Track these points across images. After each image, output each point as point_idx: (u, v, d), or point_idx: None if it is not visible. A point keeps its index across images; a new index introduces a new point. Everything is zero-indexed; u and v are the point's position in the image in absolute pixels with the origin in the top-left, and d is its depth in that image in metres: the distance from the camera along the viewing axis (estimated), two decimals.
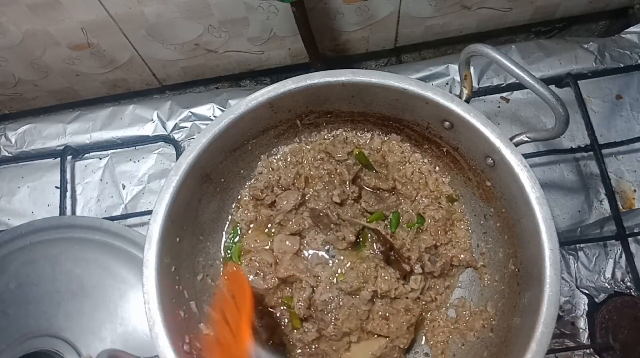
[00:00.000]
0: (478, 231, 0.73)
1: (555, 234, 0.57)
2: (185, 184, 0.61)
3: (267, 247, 0.73)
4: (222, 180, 0.71)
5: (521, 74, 0.56)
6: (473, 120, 0.61)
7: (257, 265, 0.71)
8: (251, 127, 0.68)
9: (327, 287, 0.69)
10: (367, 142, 0.76)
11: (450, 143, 0.69)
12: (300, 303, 0.68)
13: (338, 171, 0.73)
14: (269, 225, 0.74)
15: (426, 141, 0.73)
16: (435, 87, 0.63)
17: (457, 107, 0.62)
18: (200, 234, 0.70)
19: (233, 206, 0.75)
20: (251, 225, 0.74)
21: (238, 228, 0.74)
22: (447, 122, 0.65)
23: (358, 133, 0.77)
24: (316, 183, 0.74)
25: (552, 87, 0.89)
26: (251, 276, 0.71)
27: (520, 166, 0.59)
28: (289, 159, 0.76)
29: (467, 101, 0.63)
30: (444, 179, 0.75)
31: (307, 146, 0.76)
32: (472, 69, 0.90)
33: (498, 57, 0.57)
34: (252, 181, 0.75)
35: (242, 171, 0.74)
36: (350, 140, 0.76)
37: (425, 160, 0.76)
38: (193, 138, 0.86)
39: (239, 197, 0.75)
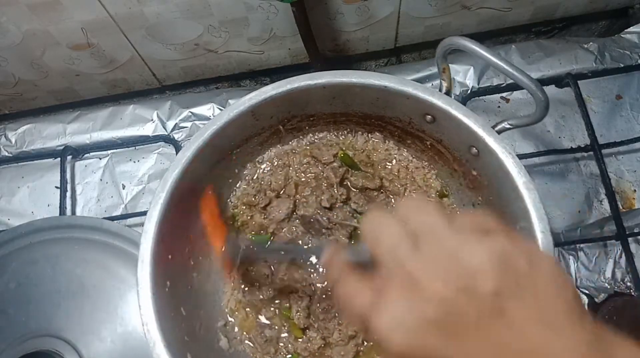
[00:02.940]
0: None
1: (546, 217, 0.57)
2: (173, 200, 0.61)
3: None
4: (210, 192, 0.70)
5: (499, 62, 0.56)
6: (454, 112, 0.61)
7: (253, 275, 0.71)
8: (234, 138, 0.68)
9: (325, 294, 0.69)
10: (351, 142, 0.77)
11: (433, 136, 0.69)
12: (299, 313, 0.68)
13: (325, 174, 0.73)
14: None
15: (409, 136, 0.73)
16: (414, 82, 0.63)
17: (437, 101, 0.62)
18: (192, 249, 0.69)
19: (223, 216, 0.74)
20: None
21: None
22: (429, 116, 0.65)
23: (341, 134, 0.77)
24: (304, 188, 0.74)
25: (552, 87, 0.89)
26: (246, 288, 0.71)
27: (504, 153, 0.59)
28: (275, 164, 0.76)
29: (448, 93, 0.63)
30: (430, 172, 0.75)
31: (292, 151, 0.76)
32: (472, 69, 0.91)
33: (473, 46, 0.57)
34: (239, 191, 0.75)
35: (229, 181, 0.74)
36: (334, 142, 0.76)
37: (410, 156, 0.76)
38: None
39: (229, 206, 0.75)
